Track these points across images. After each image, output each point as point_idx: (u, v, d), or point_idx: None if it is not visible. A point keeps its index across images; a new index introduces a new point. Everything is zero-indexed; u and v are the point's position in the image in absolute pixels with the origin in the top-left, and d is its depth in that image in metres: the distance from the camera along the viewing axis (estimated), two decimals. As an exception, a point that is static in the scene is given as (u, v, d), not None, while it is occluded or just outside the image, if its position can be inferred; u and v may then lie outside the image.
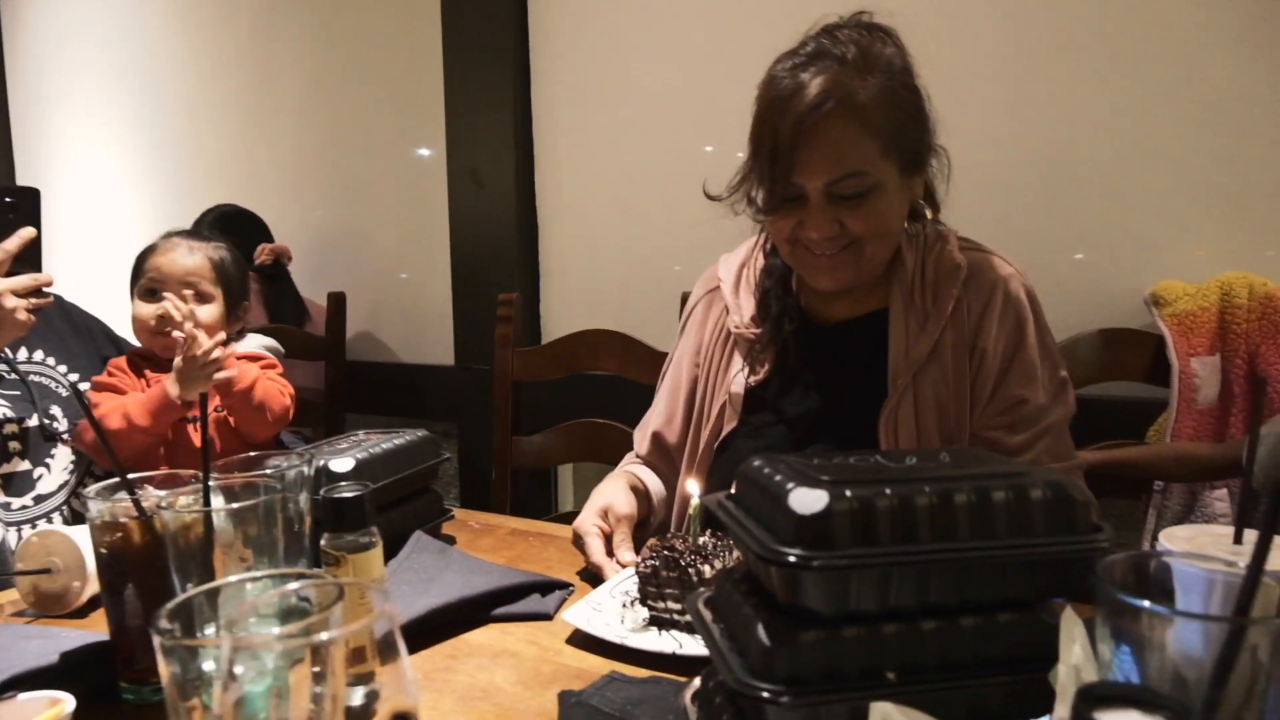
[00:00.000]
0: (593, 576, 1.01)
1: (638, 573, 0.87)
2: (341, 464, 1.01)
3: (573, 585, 1.00)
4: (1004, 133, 1.54)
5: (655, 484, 1.20)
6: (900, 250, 1.06)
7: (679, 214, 1.90)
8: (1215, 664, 0.43)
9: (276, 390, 1.48)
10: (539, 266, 2.14)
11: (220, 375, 1.35)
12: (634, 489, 1.12)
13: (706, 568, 0.83)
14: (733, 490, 0.64)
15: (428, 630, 0.89)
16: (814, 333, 1.10)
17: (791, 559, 0.50)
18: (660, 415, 1.22)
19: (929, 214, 1.06)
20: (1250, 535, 0.69)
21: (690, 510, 0.88)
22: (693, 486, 0.95)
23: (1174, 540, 0.70)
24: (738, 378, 1.11)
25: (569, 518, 1.65)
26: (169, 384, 1.34)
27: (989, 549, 0.52)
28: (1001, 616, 0.54)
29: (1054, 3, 1.48)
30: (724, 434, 1.11)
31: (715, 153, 1.84)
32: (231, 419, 1.45)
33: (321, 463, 1.01)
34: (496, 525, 1.27)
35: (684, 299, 1.60)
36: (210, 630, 0.48)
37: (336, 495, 0.73)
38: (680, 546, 0.87)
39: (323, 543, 0.74)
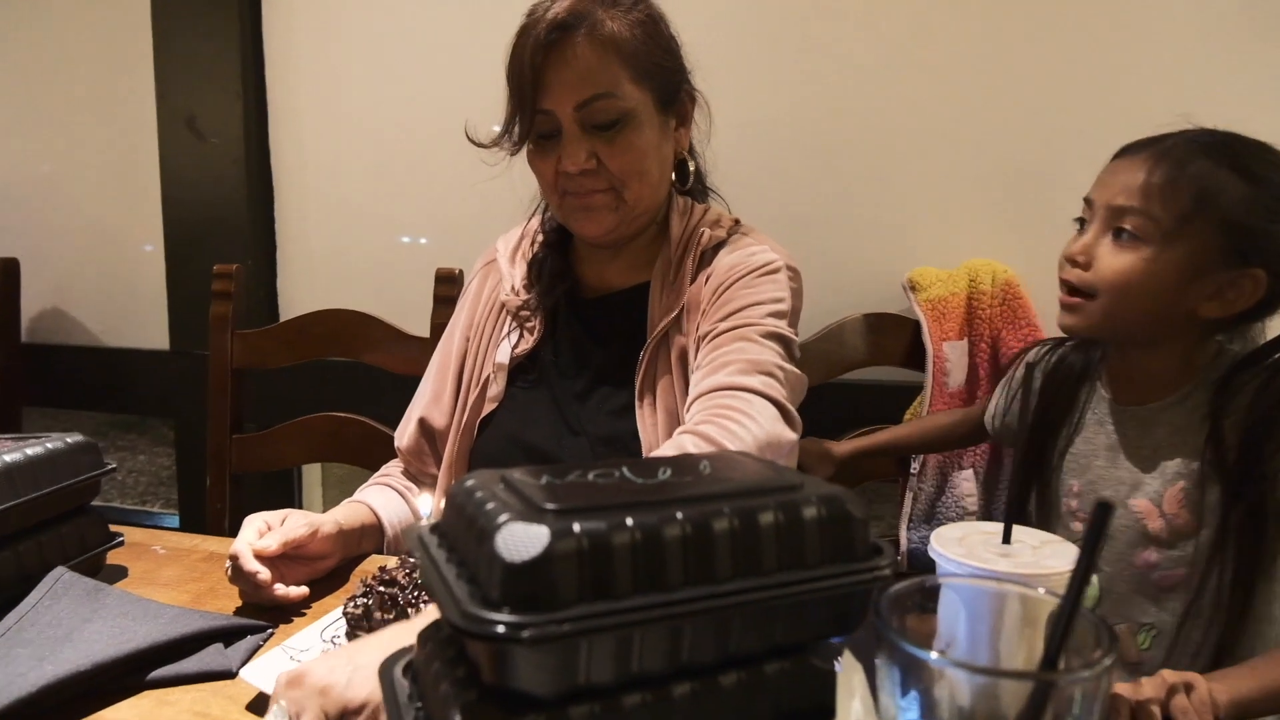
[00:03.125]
0: (308, 620, 0.82)
1: (345, 614, 0.69)
2: (-72, 487, 0.74)
3: (270, 627, 0.80)
4: (772, 117, 1.49)
5: (395, 509, 1.04)
6: (670, 224, 1.05)
7: (438, 179, 1.70)
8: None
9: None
10: (275, 235, 1.84)
11: None
12: (350, 525, 0.95)
13: (432, 608, 0.67)
14: (438, 516, 0.48)
15: (50, 710, 0.65)
16: (582, 304, 1.08)
17: (493, 629, 0.36)
18: (426, 397, 1.11)
19: (691, 166, 1.06)
20: (1025, 534, 0.65)
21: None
22: (423, 503, 0.79)
23: (945, 543, 0.64)
24: (504, 346, 1.06)
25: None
26: None
27: (758, 590, 0.40)
28: (769, 667, 0.43)
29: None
30: (488, 409, 1.04)
31: (482, 109, 1.66)
32: None
33: (-104, 487, 0.73)
34: (189, 549, 1.02)
35: (438, 276, 1.43)
36: None
37: None
38: (403, 580, 0.70)
39: None
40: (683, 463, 0.49)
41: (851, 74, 1.47)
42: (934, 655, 0.38)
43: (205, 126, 1.79)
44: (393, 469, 1.14)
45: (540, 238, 1.12)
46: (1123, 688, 0.68)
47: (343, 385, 1.72)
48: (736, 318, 0.95)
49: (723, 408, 0.86)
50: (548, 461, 0.97)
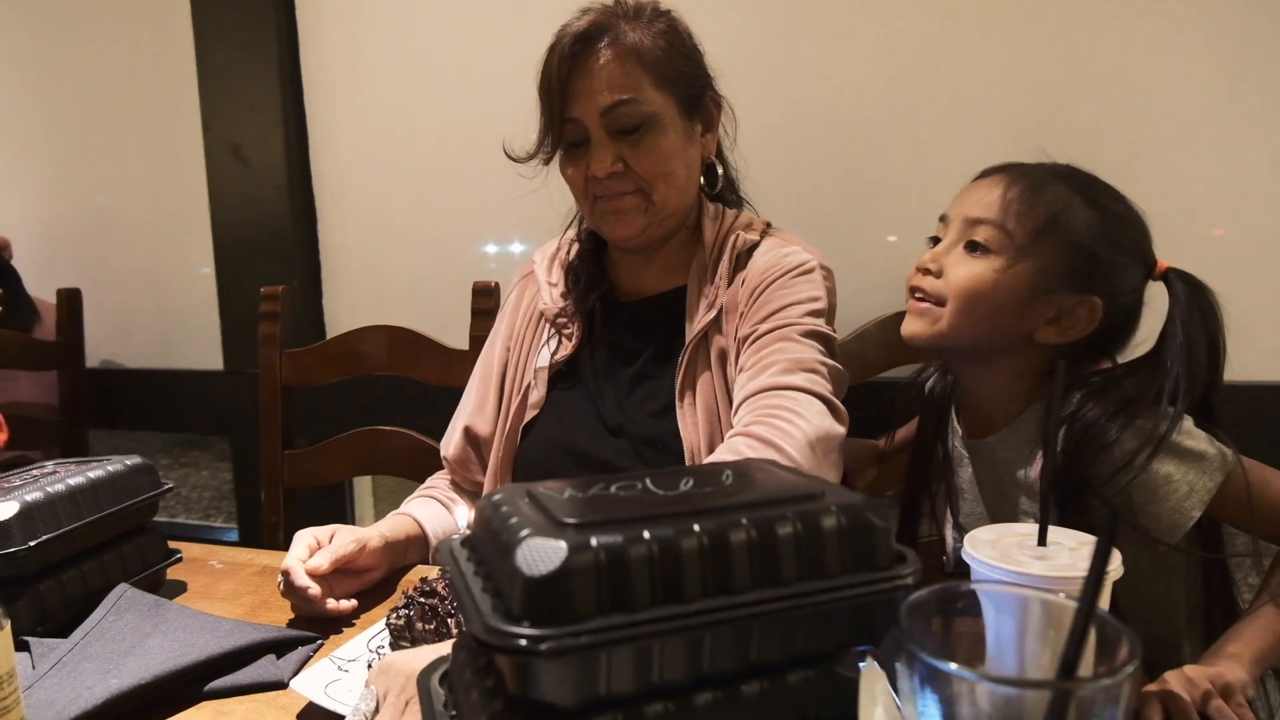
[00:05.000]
0: (357, 631, 0.84)
1: (388, 625, 0.71)
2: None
3: (320, 638, 0.82)
4: (798, 118, 1.49)
5: (440, 521, 1.07)
6: (703, 228, 1.07)
7: (473, 195, 1.73)
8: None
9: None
10: (319, 256, 1.89)
11: None
12: (396, 538, 0.97)
13: (469, 614, 0.69)
14: (468, 529, 0.50)
15: (114, 721, 0.69)
16: (619, 308, 1.10)
17: (513, 643, 0.37)
18: (470, 406, 1.14)
19: (719, 169, 1.08)
20: (1063, 536, 0.64)
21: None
22: (461, 515, 0.81)
23: (978, 545, 0.64)
24: (543, 352, 1.09)
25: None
26: None
27: (777, 601, 0.41)
28: (791, 676, 0.44)
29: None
30: (530, 415, 1.07)
31: (513, 127, 1.69)
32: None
33: (-30, 511, 0.77)
34: (245, 563, 1.06)
35: (475, 289, 1.45)
36: None
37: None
38: (443, 590, 0.72)
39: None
40: (705, 473, 0.49)
41: (880, 72, 1.45)
42: (952, 665, 0.38)
43: (249, 154, 1.85)
44: (438, 481, 1.17)
45: (575, 247, 1.15)
46: (1152, 687, 0.67)
47: (387, 399, 1.76)
48: (776, 318, 0.96)
49: (772, 408, 0.87)
50: (591, 463, 0.99)
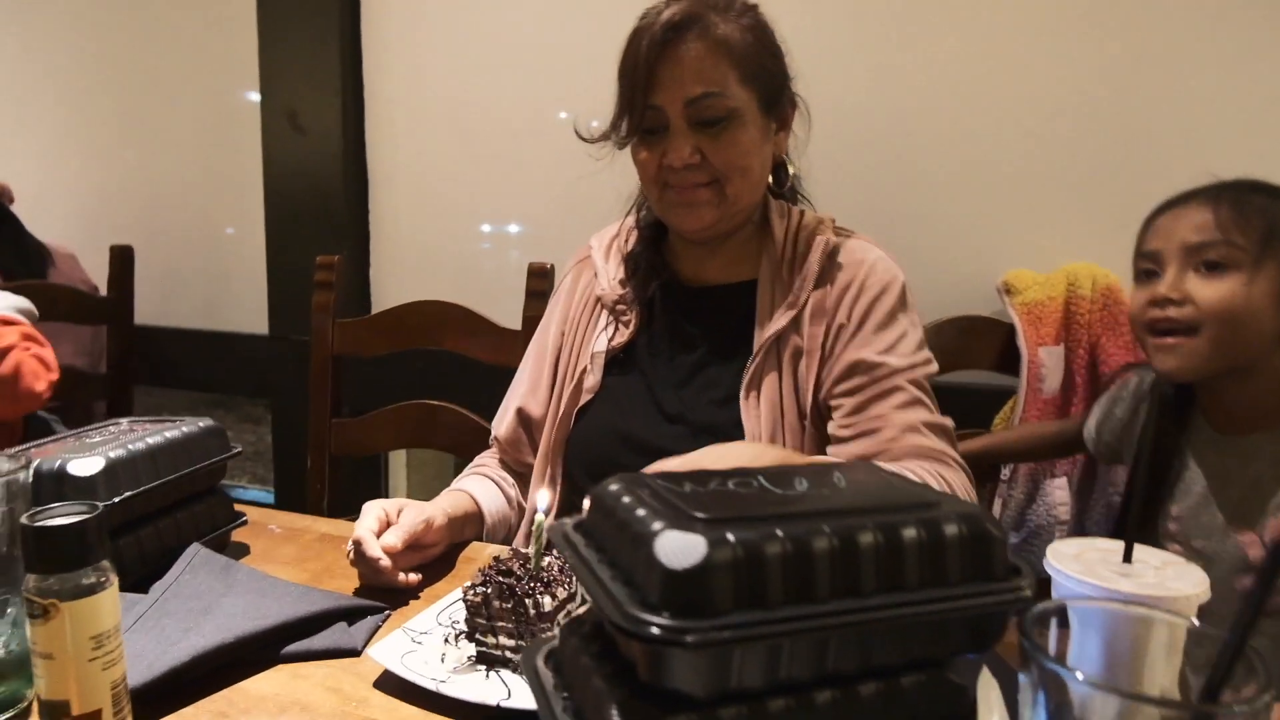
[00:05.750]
0: (421, 603, 0.86)
1: (465, 601, 0.72)
2: (85, 465, 0.80)
3: (388, 609, 0.84)
4: (862, 118, 1.48)
5: (494, 499, 1.08)
6: (771, 223, 1.07)
7: (529, 175, 1.74)
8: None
9: (33, 369, 1.20)
10: (369, 227, 1.91)
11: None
12: (457, 514, 0.99)
13: (548, 599, 0.70)
14: (583, 514, 0.50)
15: (198, 679, 0.70)
16: (682, 293, 1.09)
17: (657, 632, 0.38)
18: (524, 387, 1.15)
19: (792, 170, 1.10)
20: (1147, 554, 0.65)
21: (534, 526, 0.74)
22: (541, 498, 0.81)
23: (1062, 559, 0.64)
24: (600, 338, 1.10)
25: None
26: None
27: (903, 606, 0.42)
28: (906, 680, 0.44)
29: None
30: (584, 400, 1.07)
31: (572, 114, 1.69)
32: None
33: (56, 464, 0.79)
34: (303, 529, 1.08)
35: (531, 270, 1.46)
36: None
37: (42, 523, 0.54)
38: (518, 570, 0.73)
39: (25, 587, 0.55)
40: (818, 474, 0.50)
41: (944, 72, 1.44)
42: (1080, 676, 0.39)
43: (306, 122, 1.86)
44: (488, 459, 1.18)
45: (635, 233, 1.15)
46: None
47: (433, 373, 1.77)
48: (892, 356, 0.97)
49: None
50: (646, 449, 1.00)
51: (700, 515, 0.42)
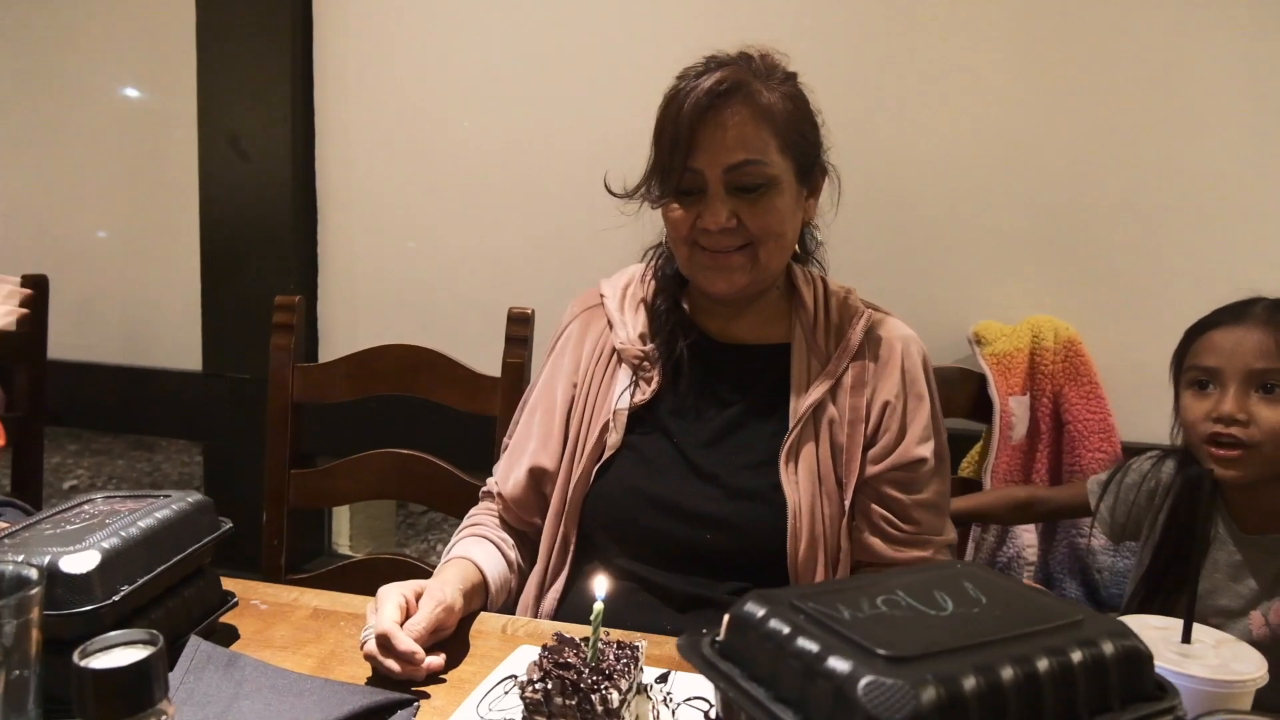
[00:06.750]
0: (448, 689, 0.81)
1: (523, 699, 0.68)
2: (78, 561, 0.71)
3: (415, 699, 0.79)
4: (845, 177, 1.51)
5: (497, 566, 1.04)
6: (798, 289, 1.08)
7: (498, 210, 1.69)
8: None
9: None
10: (318, 262, 1.81)
11: None
12: (468, 590, 0.95)
13: (614, 694, 0.67)
14: (720, 635, 0.48)
15: (222, 799, 0.64)
16: (712, 350, 1.08)
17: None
18: (534, 442, 1.10)
19: (817, 235, 1.12)
20: (1202, 633, 0.68)
21: (593, 615, 0.71)
22: (599, 585, 0.78)
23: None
24: (623, 395, 1.07)
25: (356, 568, 1.40)
26: None
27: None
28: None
29: (880, 48, 1.48)
30: (605, 456, 1.04)
31: (544, 139, 1.64)
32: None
33: (46, 560, 0.70)
34: (290, 605, 1.00)
35: (511, 316, 1.41)
36: None
37: (101, 668, 0.47)
38: (575, 660, 0.70)
39: (75, 734, 0.48)
40: (952, 587, 0.50)
41: (918, 129, 1.50)
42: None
43: (249, 147, 1.76)
44: (484, 518, 1.12)
45: (653, 284, 1.13)
46: None
47: (395, 421, 1.69)
48: (923, 449, 1.02)
49: None
50: (676, 510, 0.99)
51: (882, 651, 0.41)
